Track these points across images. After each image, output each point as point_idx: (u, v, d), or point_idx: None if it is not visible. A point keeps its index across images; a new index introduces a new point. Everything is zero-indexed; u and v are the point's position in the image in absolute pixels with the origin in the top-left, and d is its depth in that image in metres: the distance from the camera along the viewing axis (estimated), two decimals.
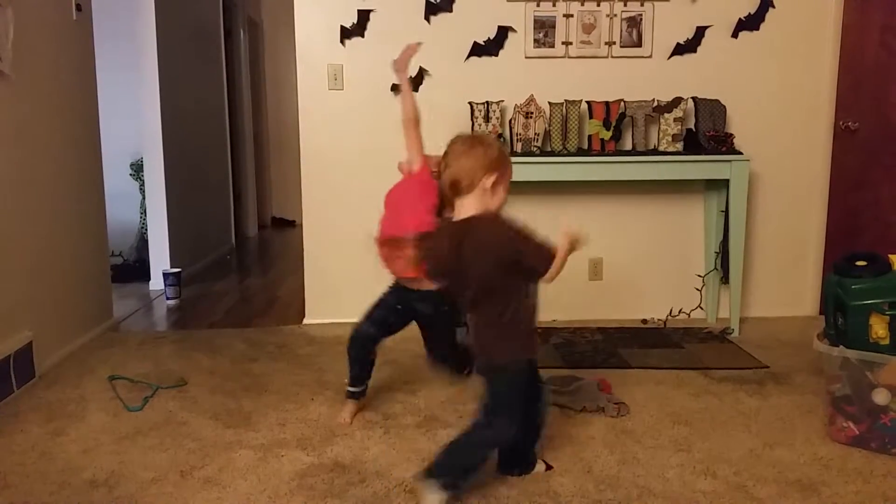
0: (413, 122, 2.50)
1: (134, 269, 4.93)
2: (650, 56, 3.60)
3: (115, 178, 4.61)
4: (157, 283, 4.58)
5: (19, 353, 2.73)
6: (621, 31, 3.57)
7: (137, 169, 4.98)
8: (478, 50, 3.57)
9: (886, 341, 2.13)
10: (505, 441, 1.95)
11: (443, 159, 1.93)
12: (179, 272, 4.40)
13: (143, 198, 4.86)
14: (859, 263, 2.24)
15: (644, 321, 3.71)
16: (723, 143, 3.39)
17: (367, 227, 3.67)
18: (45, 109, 3.07)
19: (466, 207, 1.91)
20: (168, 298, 4.32)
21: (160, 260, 4.68)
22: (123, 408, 2.55)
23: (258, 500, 1.93)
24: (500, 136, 3.39)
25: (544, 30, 3.56)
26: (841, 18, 3.60)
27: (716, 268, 3.66)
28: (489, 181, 1.90)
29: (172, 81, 4.80)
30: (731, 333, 3.46)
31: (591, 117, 3.45)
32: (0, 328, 2.67)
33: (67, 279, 3.24)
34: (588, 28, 3.57)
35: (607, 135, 3.43)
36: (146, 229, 4.82)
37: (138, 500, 1.93)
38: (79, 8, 3.35)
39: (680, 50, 3.60)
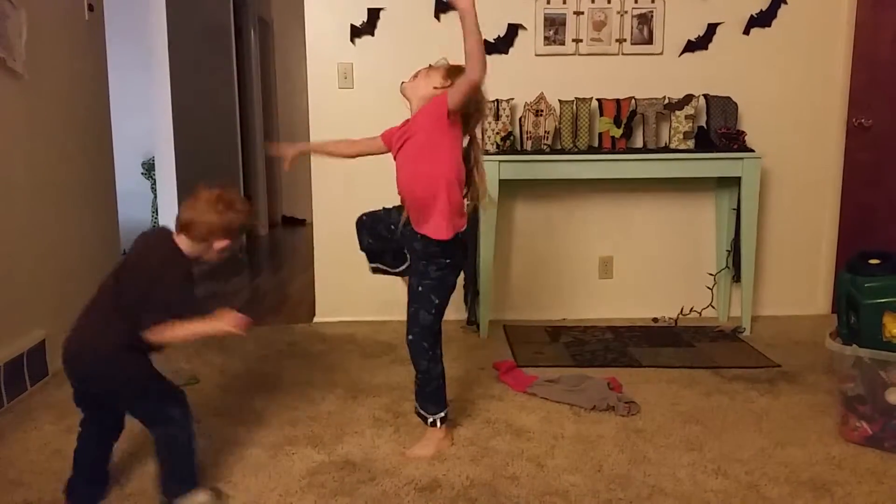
0: (351, 148, 2.57)
1: None
2: (661, 53, 3.58)
3: (127, 177, 4.63)
4: None
5: (32, 352, 2.75)
6: (632, 27, 3.56)
7: (149, 168, 5.01)
8: (488, 48, 3.54)
9: None
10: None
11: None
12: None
13: (155, 197, 4.89)
14: (872, 261, 2.23)
15: (655, 320, 3.70)
16: (734, 141, 3.37)
17: None
18: (58, 109, 3.09)
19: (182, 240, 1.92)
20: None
21: None
22: None
23: (269, 497, 1.94)
24: (509, 134, 3.38)
25: (554, 27, 3.55)
26: (854, 15, 3.57)
27: (727, 266, 3.64)
28: (220, 244, 1.93)
29: (183, 80, 4.81)
30: (742, 332, 3.44)
31: (601, 115, 3.44)
32: (13, 327, 2.69)
33: (80, 278, 3.25)
34: (598, 25, 3.55)
35: (618, 132, 3.42)
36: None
37: (150, 498, 1.94)
38: (91, 8, 3.37)
39: (691, 47, 3.58)
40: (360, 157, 2.67)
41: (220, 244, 1.94)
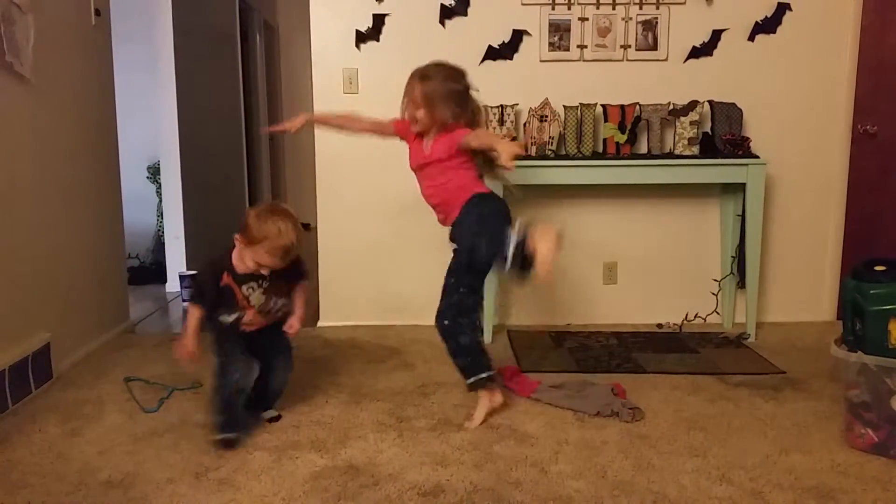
0: (355, 121, 2.82)
1: (150, 271, 4.97)
2: (666, 59, 3.58)
3: (132, 180, 4.64)
4: (173, 285, 4.62)
5: (37, 355, 2.75)
6: (637, 34, 3.56)
7: (154, 172, 5.02)
8: (492, 53, 3.57)
9: None
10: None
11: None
12: (195, 274, 4.42)
13: (160, 200, 4.91)
14: (878, 268, 2.22)
15: (659, 326, 3.69)
16: (739, 147, 3.37)
17: (380, 231, 3.69)
18: (64, 113, 3.11)
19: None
20: (184, 300, 4.35)
21: (176, 262, 4.72)
22: (139, 409, 2.57)
23: (272, 501, 1.94)
24: (514, 139, 3.38)
25: (559, 33, 3.56)
26: (860, 21, 3.57)
27: (732, 272, 3.63)
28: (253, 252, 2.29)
29: (189, 85, 4.83)
30: (747, 338, 3.43)
31: (606, 120, 3.44)
32: (18, 330, 2.70)
33: (84, 281, 3.27)
34: (603, 31, 3.56)
35: (622, 138, 3.42)
36: (163, 232, 4.86)
37: (153, 501, 1.94)
38: (97, 13, 3.38)
39: (696, 53, 3.58)
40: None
41: (252, 251, 2.27)
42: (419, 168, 2.51)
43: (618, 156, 3.42)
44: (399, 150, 3.64)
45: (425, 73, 2.41)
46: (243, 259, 2.30)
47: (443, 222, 2.53)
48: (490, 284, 3.41)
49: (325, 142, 3.64)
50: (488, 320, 3.42)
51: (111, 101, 3.62)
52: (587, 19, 3.55)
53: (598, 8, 3.53)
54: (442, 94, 2.37)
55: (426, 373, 2.96)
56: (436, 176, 2.45)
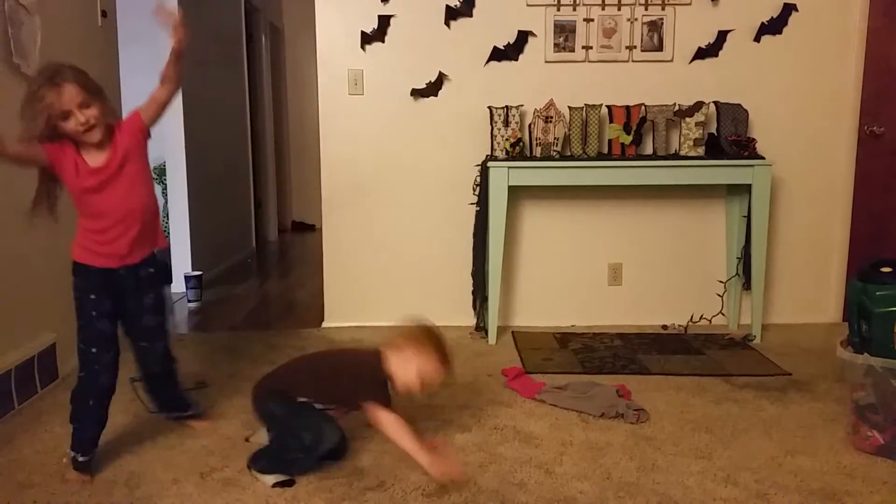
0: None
1: None
2: (671, 60, 3.58)
3: None
4: (178, 285, 4.62)
5: (43, 355, 2.77)
6: (642, 35, 3.56)
7: (160, 173, 5.02)
8: (498, 55, 3.57)
9: None
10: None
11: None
12: (201, 275, 4.44)
13: (166, 202, 4.92)
14: (884, 270, 2.22)
15: (664, 327, 3.68)
16: (745, 148, 3.36)
17: (385, 232, 3.70)
18: None
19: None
20: (189, 301, 4.37)
21: (182, 263, 4.72)
22: (144, 409, 2.58)
23: (277, 502, 1.94)
24: (519, 140, 3.38)
25: (564, 34, 3.56)
26: (866, 22, 3.56)
27: (737, 273, 3.62)
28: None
29: (195, 86, 4.84)
30: (752, 340, 3.42)
31: (611, 122, 3.44)
32: (24, 330, 2.71)
33: None
34: (609, 32, 3.55)
35: (628, 139, 3.41)
36: (168, 233, 4.87)
37: (158, 501, 1.95)
38: (104, 14, 3.40)
39: (701, 54, 3.57)
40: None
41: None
42: (115, 171, 2.09)
43: (623, 157, 3.42)
44: (405, 149, 3.66)
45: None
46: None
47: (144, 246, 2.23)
48: (494, 284, 3.42)
49: (331, 142, 3.65)
50: (493, 321, 3.42)
51: (117, 103, 3.62)
52: (592, 20, 3.54)
53: (603, 9, 3.53)
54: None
55: None
56: (140, 180, 2.15)
